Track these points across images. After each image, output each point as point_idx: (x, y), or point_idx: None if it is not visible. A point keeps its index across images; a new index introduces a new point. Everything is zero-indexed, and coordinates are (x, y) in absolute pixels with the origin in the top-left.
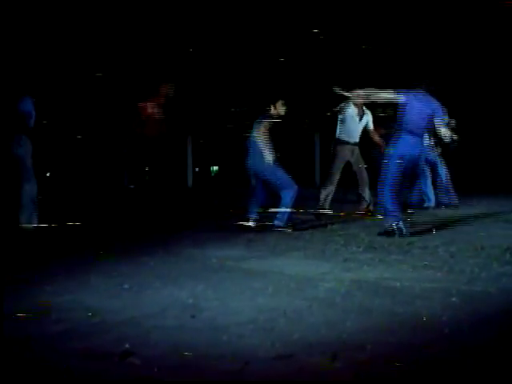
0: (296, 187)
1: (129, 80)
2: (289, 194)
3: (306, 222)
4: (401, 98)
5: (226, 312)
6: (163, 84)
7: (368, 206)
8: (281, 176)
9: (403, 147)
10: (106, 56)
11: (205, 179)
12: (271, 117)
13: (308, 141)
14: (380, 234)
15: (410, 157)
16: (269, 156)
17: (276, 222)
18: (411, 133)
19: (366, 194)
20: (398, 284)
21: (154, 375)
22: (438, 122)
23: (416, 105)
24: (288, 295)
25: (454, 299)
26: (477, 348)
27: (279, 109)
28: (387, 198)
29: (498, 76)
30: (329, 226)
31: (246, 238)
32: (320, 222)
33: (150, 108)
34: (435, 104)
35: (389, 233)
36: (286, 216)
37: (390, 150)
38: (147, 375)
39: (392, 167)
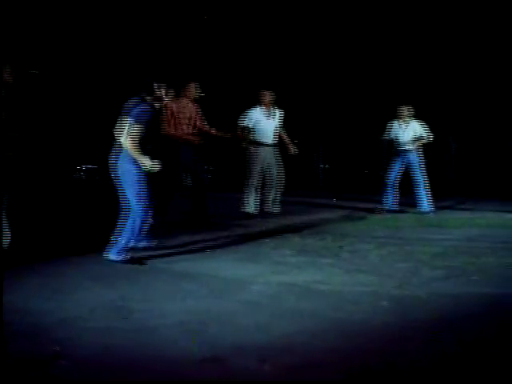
0: (143, 216)
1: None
2: (134, 221)
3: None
4: None
5: (156, 314)
6: (190, 83)
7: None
8: (135, 195)
9: None
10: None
11: None
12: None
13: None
14: None
15: None
16: (146, 161)
17: (110, 255)
18: None
19: (271, 195)
20: (328, 288)
21: (82, 377)
22: None
23: None
24: (219, 297)
25: (383, 303)
26: (405, 353)
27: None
28: None
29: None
30: (262, 229)
31: (179, 239)
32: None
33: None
34: None
35: None
36: (123, 245)
37: None
38: (76, 378)
39: None
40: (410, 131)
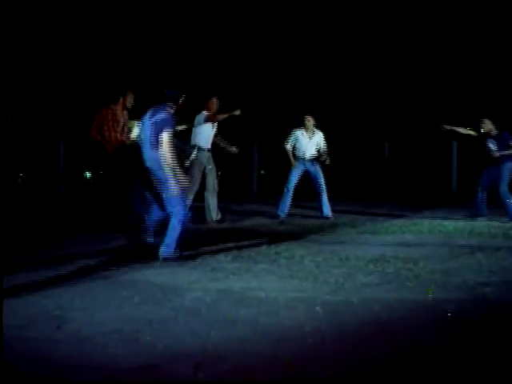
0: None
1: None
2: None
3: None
4: None
5: (91, 322)
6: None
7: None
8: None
9: None
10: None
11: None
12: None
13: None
14: None
15: None
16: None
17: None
18: None
19: (211, 201)
20: (264, 294)
21: None
22: None
23: None
24: (154, 305)
25: (317, 309)
26: (338, 359)
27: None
28: None
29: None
30: (198, 235)
31: (116, 246)
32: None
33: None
34: None
35: None
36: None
37: None
38: None
39: None
40: (314, 142)
